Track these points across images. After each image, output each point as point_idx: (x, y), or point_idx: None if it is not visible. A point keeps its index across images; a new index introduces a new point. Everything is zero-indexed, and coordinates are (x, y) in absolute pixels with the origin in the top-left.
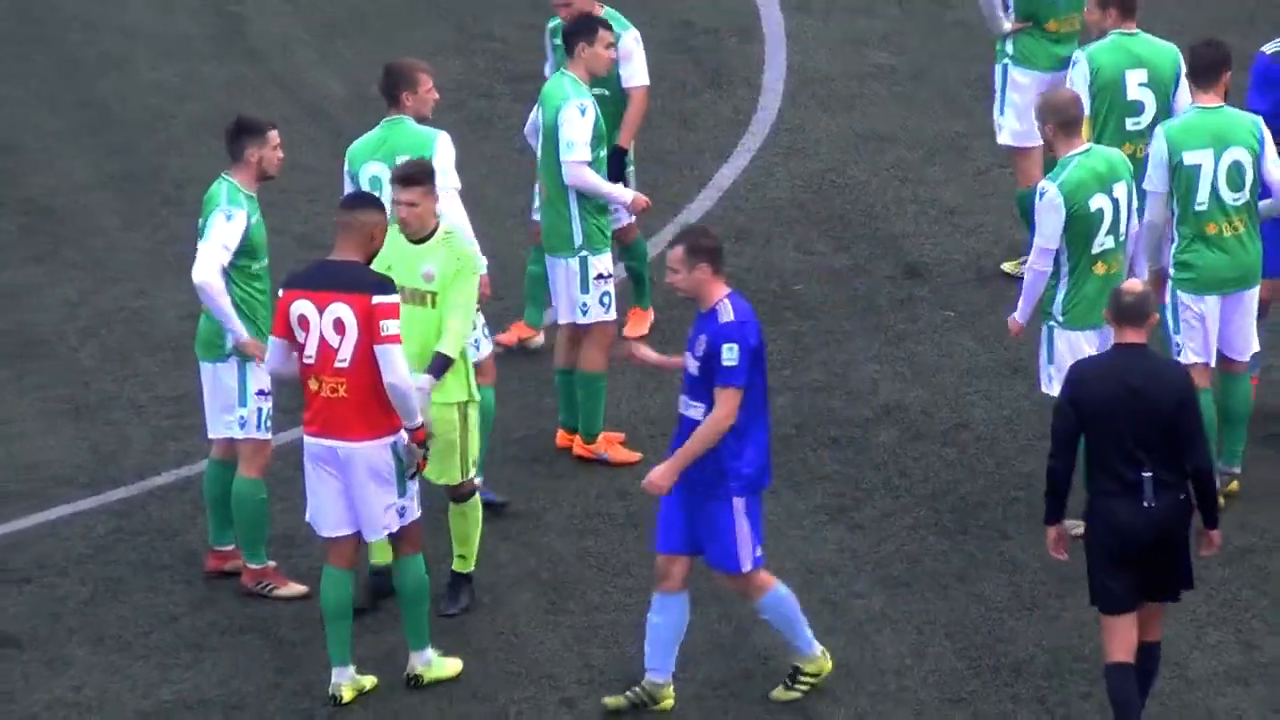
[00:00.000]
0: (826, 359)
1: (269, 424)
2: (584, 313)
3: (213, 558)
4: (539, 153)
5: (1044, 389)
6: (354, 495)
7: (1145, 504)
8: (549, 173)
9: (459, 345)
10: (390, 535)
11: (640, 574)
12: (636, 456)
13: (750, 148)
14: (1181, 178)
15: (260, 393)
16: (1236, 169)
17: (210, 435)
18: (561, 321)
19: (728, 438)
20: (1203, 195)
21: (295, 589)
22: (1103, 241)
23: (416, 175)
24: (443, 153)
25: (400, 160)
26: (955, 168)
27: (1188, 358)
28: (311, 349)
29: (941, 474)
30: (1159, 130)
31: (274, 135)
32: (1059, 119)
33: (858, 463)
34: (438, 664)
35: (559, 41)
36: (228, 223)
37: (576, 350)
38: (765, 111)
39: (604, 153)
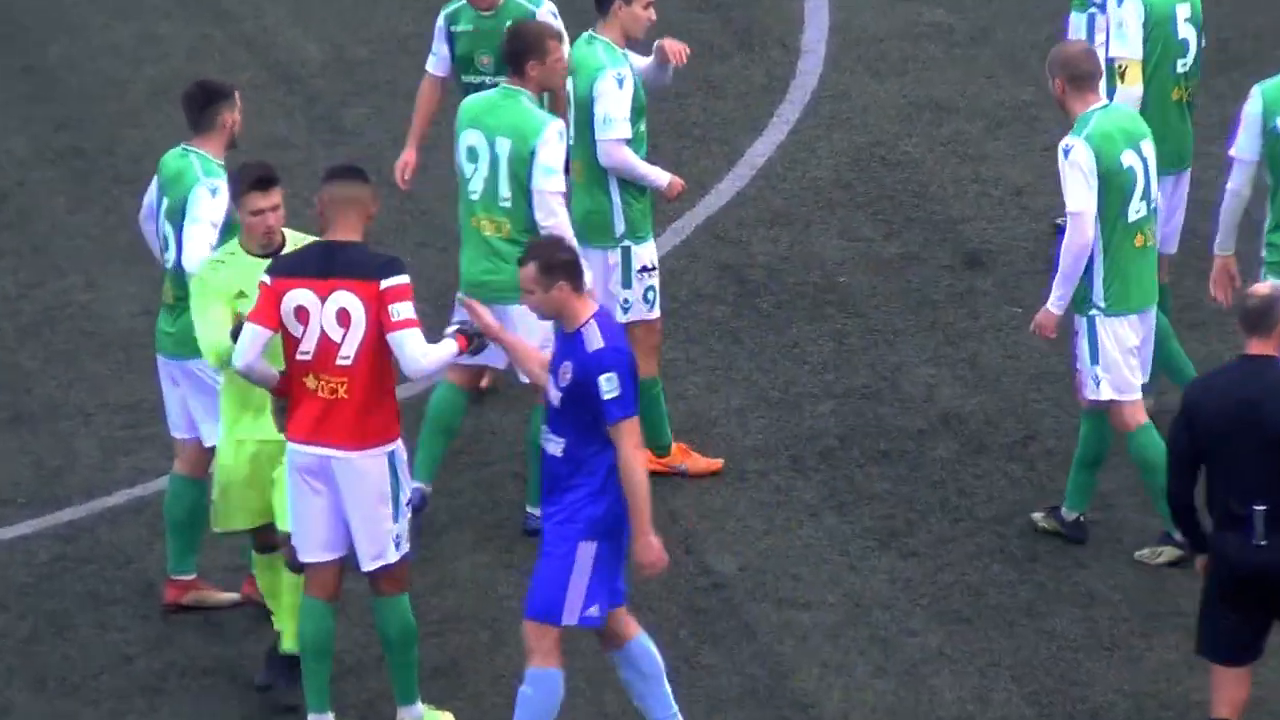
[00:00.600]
0: (875, 361)
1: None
2: (625, 309)
3: (171, 588)
4: (570, 130)
5: (1089, 395)
6: (348, 514)
7: (1256, 542)
8: (583, 153)
9: None
10: (370, 573)
11: (660, 606)
12: (718, 464)
13: (788, 119)
14: (1273, 145)
15: None
16: None
17: (205, 443)
18: None
19: (586, 480)
20: None
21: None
22: (1138, 208)
23: (274, 176)
24: (550, 146)
25: (500, 141)
26: (1022, 142)
27: None
28: (310, 344)
29: (1007, 493)
30: (1255, 90)
31: (237, 96)
32: (1069, 73)
33: (911, 480)
34: (429, 719)
35: (461, 29)
36: (213, 198)
37: None
38: (804, 77)
39: (644, 127)
